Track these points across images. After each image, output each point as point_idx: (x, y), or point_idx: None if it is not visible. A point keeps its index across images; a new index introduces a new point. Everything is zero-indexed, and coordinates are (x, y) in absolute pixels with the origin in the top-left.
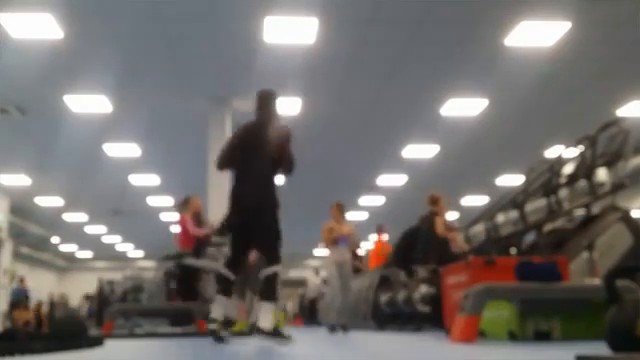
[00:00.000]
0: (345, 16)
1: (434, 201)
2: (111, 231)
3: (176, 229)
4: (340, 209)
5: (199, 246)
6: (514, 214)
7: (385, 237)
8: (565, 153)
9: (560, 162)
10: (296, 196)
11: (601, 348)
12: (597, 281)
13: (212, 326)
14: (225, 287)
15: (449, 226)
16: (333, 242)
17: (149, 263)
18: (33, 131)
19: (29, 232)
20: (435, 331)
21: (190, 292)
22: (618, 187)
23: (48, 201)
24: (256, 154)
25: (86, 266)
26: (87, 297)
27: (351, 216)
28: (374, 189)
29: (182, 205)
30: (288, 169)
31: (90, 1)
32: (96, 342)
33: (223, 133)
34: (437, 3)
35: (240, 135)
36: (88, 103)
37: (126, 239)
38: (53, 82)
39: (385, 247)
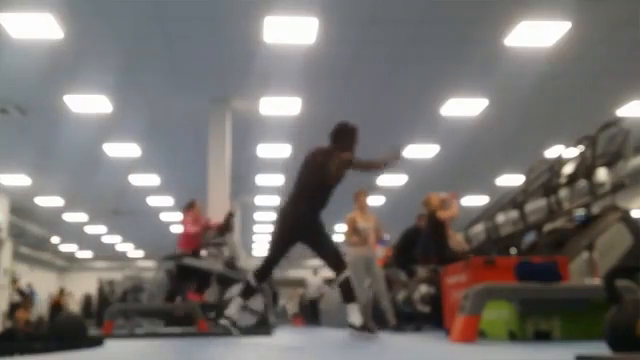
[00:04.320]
0: (345, 16)
1: (426, 203)
2: (111, 231)
3: (179, 229)
4: (365, 197)
5: (200, 247)
6: (514, 214)
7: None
8: (565, 153)
9: (560, 162)
10: None
11: (601, 348)
12: (597, 281)
13: (225, 322)
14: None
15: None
16: (363, 239)
17: (149, 263)
18: (33, 131)
19: (29, 232)
20: (435, 331)
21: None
22: (618, 187)
23: (48, 201)
24: None
25: (86, 266)
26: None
27: None
28: (374, 189)
29: (185, 207)
30: None
31: (90, 1)
32: (96, 342)
33: (223, 133)
34: (437, 3)
35: None
36: (88, 103)
37: (126, 239)
38: (53, 82)
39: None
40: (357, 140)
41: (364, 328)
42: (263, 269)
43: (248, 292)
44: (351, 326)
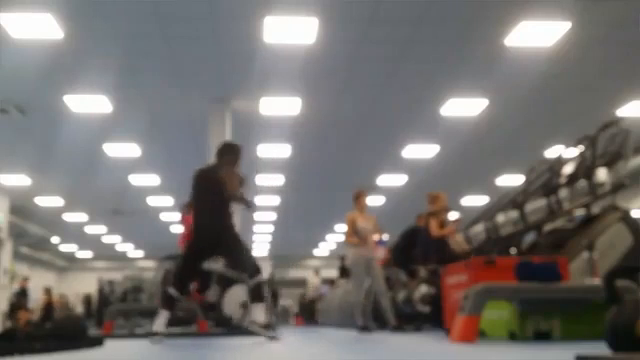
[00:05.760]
0: (345, 16)
1: (433, 200)
2: (111, 231)
3: (179, 229)
4: (365, 197)
5: None
6: (514, 214)
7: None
8: (565, 153)
9: (560, 162)
10: (296, 196)
11: (601, 348)
12: (597, 281)
13: (156, 339)
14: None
15: (446, 223)
16: (363, 239)
17: (149, 263)
18: (33, 131)
19: (29, 232)
20: (435, 331)
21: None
22: (618, 187)
23: (48, 201)
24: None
25: (86, 266)
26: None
27: None
28: (374, 189)
29: (186, 207)
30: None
31: (90, 1)
32: (96, 342)
33: (223, 133)
34: (437, 3)
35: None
36: (88, 103)
37: (126, 239)
38: (53, 82)
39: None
40: (239, 157)
41: (268, 326)
42: (179, 280)
43: (169, 302)
44: (253, 323)
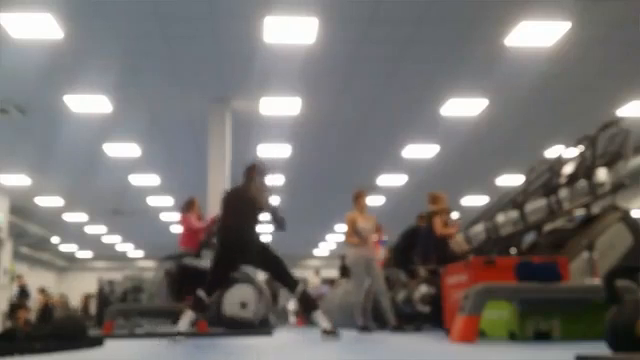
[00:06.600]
0: (345, 16)
1: (434, 200)
2: (111, 231)
3: (178, 229)
4: (365, 197)
5: (201, 246)
6: (514, 214)
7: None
8: (565, 153)
9: (560, 162)
10: (296, 196)
11: (601, 348)
12: (597, 281)
13: (177, 339)
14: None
15: (449, 223)
16: (364, 239)
17: (149, 263)
18: (33, 131)
19: (29, 232)
20: (435, 331)
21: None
22: (618, 187)
23: (48, 201)
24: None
25: (86, 266)
26: (88, 297)
27: None
28: (374, 189)
29: (186, 206)
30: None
31: (90, 1)
32: (96, 342)
33: (223, 133)
34: (437, 3)
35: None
36: (88, 103)
37: (126, 239)
38: (53, 82)
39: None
40: (265, 177)
41: (333, 332)
42: (211, 286)
43: (199, 306)
44: (324, 331)
